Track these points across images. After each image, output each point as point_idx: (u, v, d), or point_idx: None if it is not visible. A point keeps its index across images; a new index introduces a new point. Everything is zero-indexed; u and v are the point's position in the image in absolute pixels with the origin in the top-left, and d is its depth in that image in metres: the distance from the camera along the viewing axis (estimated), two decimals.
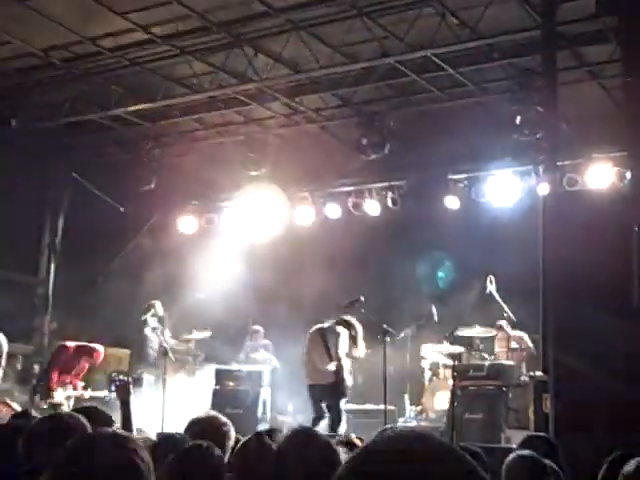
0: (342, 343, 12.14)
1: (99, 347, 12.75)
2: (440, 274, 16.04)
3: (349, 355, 12.20)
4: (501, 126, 13.56)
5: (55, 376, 12.15)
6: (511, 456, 4.57)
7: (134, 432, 5.87)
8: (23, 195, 16.33)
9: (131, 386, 6.14)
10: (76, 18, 12.48)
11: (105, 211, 17.33)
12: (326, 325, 12.38)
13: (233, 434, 5.01)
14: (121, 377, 6.19)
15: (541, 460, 4.41)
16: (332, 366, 12.02)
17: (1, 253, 16.16)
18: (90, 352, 12.63)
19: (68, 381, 12.20)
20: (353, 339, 12.27)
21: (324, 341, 12.17)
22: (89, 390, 12.60)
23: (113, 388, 6.12)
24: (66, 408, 12.00)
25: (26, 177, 16.51)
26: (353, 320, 12.32)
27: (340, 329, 12.22)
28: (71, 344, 12.87)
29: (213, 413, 5.37)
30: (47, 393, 12.05)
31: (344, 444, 4.98)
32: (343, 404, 12.15)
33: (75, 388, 12.42)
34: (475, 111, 14.21)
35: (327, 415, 11.97)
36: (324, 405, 12.08)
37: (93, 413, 4.74)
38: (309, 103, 14.86)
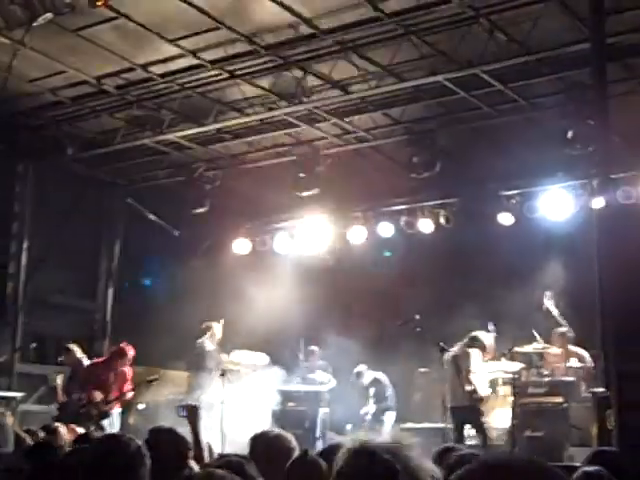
0: (473, 363, 12.08)
1: (124, 345, 12.80)
2: None
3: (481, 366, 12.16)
4: (552, 141, 13.45)
5: (97, 396, 12.22)
6: (578, 473, 4.49)
7: (205, 452, 5.94)
8: (79, 222, 16.63)
9: (200, 411, 6.19)
10: (127, 46, 12.71)
11: (160, 235, 17.53)
12: (458, 350, 12.27)
13: (297, 451, 4.99)
14: (190, 402, 6.27)
15: (610, 476, 4.33)
16: (468, 387, 11.92)
17: (60, 279, 16.46)
18: (120, 353, 12.71)
19: (114, 397, 12.29)
20: (483, 348, 12.21)
21: (457, 367, 12.07)
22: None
23: (184, 413, 6.17)
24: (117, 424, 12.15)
25: (82, 204, 16.81)
26: (477, 333, 12.28)
27: (469, 350, 12.17)
28: (97, 360, 13.04)
29: (278, 431, 5.31)
30: (94, 415, 12.12)
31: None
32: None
33: (120, 399, 12.46)
34: (526, 126, 14.13)
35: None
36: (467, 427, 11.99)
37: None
38: (359, 123, 14.90)
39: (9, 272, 15.69)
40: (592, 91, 10.52)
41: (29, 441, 6.80)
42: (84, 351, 13.38)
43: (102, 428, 11.67)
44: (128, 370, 12.69)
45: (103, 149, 15.77)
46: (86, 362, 13.00)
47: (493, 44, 11.82)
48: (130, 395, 12.69)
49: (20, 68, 13.13)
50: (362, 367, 15.01)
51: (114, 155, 16.31)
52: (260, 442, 5.13)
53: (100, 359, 13.27)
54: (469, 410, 11.86)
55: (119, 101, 14.57)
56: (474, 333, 12.28)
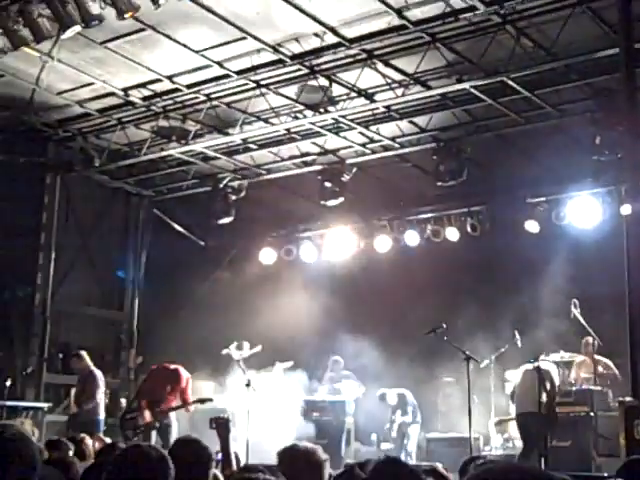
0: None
1: (182, 370, 12.69)
2: None
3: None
4: (580, 147, 13.37)
5: (144, 404, 12.19)
6: None
7: (233, 463, 5.94)
8: (107, 233, 16.73)
9: (230, 424, 6.18)
10: (154, 57, 12.77)
11: (186, 245, 17.59)
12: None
13: (328, 464, 4.88)
14: (221, 415, 6.27)
15: None
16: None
17: (88, 290, 16.56)
18: (176, 377, 12.60)
19: (158, 409, 12.23)
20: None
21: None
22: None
23: (214, 425, 6.17)
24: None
25: (109, 215, 16.92)
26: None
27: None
28: (160, 366, 12.93)
29: (306, 443, 5.20)
30: (135, 424, 12.08)
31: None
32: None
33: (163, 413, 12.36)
34: (553, 133, 14.03)
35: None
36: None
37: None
38: (385, 132, 14.87)
39: (37, 283, 15.77)
40: (621, 97, 10.42)
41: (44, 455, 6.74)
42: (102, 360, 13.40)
43: (149, 438, 11.65)
44: (175, 393, 12.56)
45: (130, 160, 15.85)
46: (96, 371, 12.93)
47: (520, 51, 11.76)
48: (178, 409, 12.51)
49: (48, 80, 13.22)
50: (383, 389, 14.93)
51: (140, 166, 16.40)
52: (289, 456, 5.03)
53: (160, 367, 13.04)
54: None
55: (145, 112, 14.65)
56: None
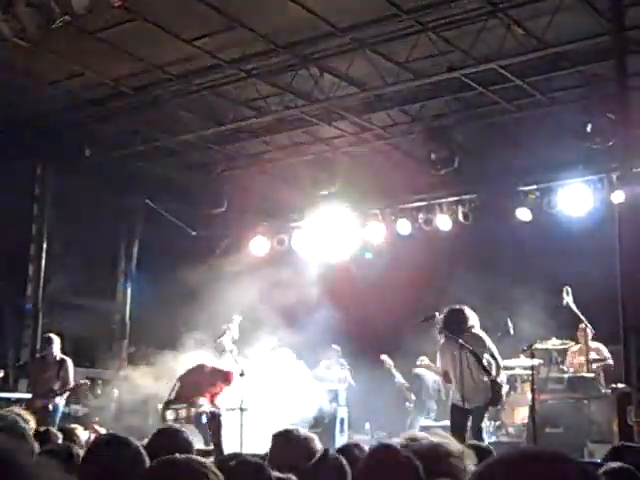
0: None
1: (232, 370, 12.83)
2: None
3: None
4: (571, 135, 13.38)
5: (187, 392, 12.30)
6: (602, 469, 4.42)
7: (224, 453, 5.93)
8: (98, 223, 16.69)
9: (221, 418, 6.17)
10: (144, 47, 12.72)
11: (178, 235, 17.56)
12: None
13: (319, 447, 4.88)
14: (213, 410, 6.25)
15: (635, 472, 4.26)
16: None
17: (80, 280, 16.52)
18: (226, 376, 12.72)
19: (200, 402, 12.30)
20: None
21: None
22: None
23: (205, 420, 6.17)
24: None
25: (100, 205, 16.87)
26: None
27: None
28: (208, 365, 12.99)
29: (300, 430, 5.18)
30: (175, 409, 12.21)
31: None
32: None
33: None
34: (544, 121, 14.04)
35: None
36: None
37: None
38: (377, 120, 14.86)
39: (29, 274, 15.74)
40: (612, 84, 10.45)
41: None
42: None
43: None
44: (220, 391, 12.74)
45: (121, 150, 15.80)
46: (63, 357, 12.86)
47: (511, 39, 11.75)
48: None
49: (39, 71, 13.17)
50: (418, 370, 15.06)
51: (132, 156, 16.33)
52: (280, 441, 5.06)
53: (209, 366, 13.11)
54: None
55: (137, 103, 14.59)
56: None
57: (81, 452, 4.75)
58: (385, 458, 3.85)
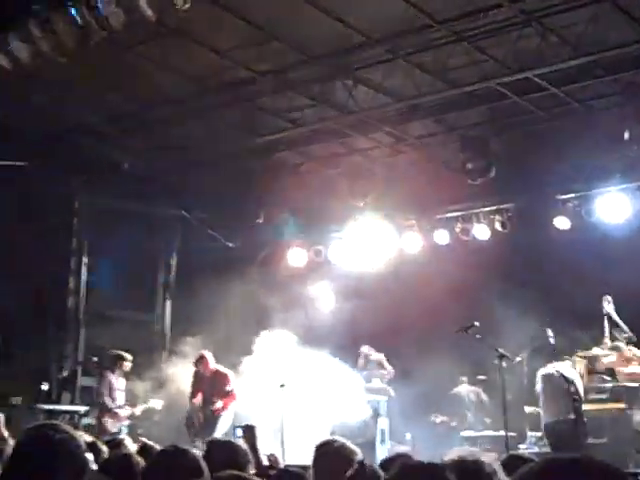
0: None
1: (229, 373, 13.17)
2: None
3: None
4: (609, 143, 13.28)
5: (199, 395, 12.67)
6: None
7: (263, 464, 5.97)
8: (136, 236, 16.79)
9: (257, 430, 6.15)
10: (179, 59, 12.80)
11: (215, 247, 17.64)
12: None
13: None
14: (247, 423, 6.24)
15: None
16: None
17: (119, 293, 16.66)
18: (223, 380, 13.11)
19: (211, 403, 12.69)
20: None
21: None
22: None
23: (240, 434, 6.15)
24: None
25: (138, 218, 16.99)
26: None
27: None
28: (212, 367, 13.31)
29: (342, 441, 5.17)
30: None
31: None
32: None
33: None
34: (581, 129, 13.93)
35: None
36: None
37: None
38: (412, 131, 14.86)
39: (69, 287, 15.91)
40: None
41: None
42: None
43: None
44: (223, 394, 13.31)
45: (158, 163, 15.91)
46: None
47: (546, 47, 11.70)
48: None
49: (76, 85, 13.31)
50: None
51: (168, 169, 16.44)
52: (323, 452, 5.08)
53: (213, 368, 13.72)
54: None
55: (172, 115, 14.69)
56: None
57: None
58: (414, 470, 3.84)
